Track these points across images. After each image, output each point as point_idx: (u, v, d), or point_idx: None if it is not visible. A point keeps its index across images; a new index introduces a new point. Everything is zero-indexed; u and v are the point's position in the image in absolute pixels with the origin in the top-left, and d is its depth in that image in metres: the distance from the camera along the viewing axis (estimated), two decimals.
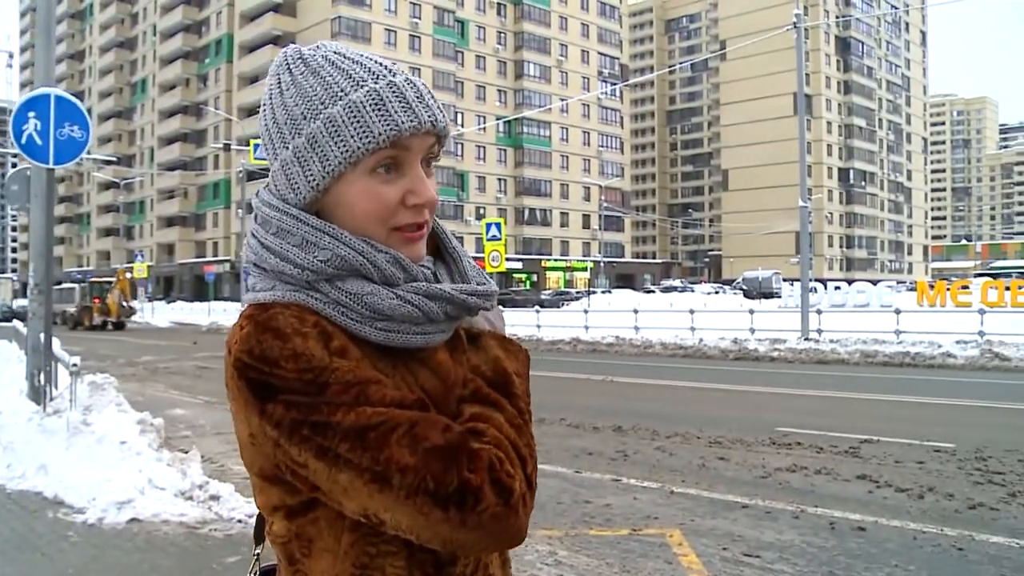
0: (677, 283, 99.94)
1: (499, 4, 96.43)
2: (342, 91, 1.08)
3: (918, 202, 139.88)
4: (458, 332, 1.20)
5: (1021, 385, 14.13)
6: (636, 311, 27.07)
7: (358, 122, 1.06)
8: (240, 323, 1.07)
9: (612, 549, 5.40)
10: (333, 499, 1.02)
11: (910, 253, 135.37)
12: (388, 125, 1.06)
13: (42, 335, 8.97)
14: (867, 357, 18.85)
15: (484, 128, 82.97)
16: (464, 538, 0.98)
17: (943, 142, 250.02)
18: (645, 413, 11.13)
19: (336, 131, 1.06)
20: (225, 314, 47.54)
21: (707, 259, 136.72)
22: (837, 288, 34.45)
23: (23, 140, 8.69)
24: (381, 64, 1.13)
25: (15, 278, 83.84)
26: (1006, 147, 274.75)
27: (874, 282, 41.69)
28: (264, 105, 1.16)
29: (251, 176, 39.74)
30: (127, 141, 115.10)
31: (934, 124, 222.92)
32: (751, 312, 24.40)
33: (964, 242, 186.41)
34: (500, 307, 1.31)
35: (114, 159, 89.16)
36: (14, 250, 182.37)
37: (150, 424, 8.27)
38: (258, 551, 1.31)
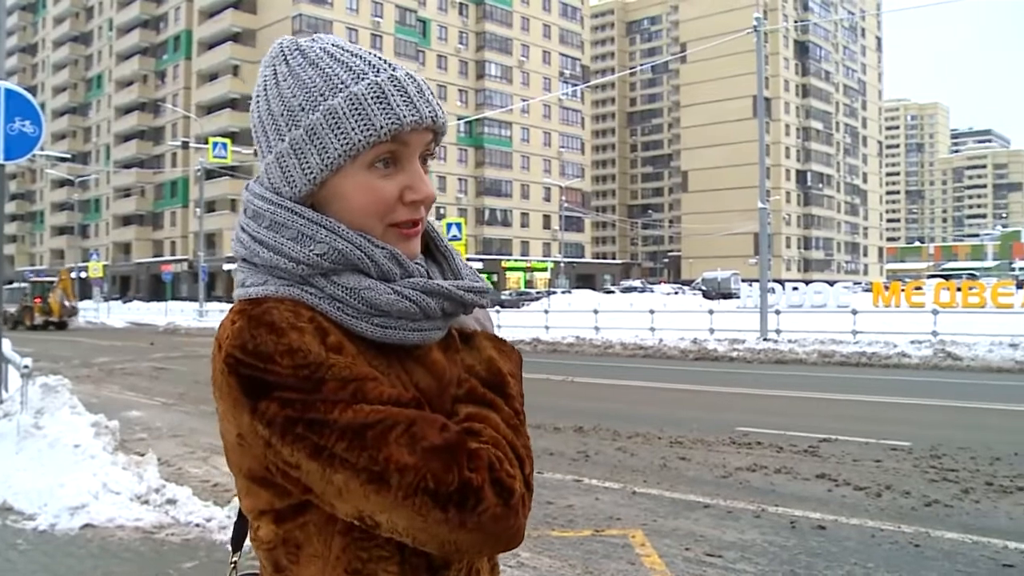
0: (637, 283, 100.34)
1: (461, 4, 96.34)
2: (342, 83, 1.06)
3: (873, 204, 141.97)
4: (451, 331, 1.17)
5: (973, 384, 14.37)
6: (596, 311, 27.18)
7: (359, 114, 1.04)
8: (231, 318, 1.03)
9: (575, 550, 5.39)
10: (326, 501, 0.98)
11: (865, 254, 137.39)
12: (390, 118, 1.04)
13: None
14: (825, 357, 19.07)
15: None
16: (463, 539, 0.95)
17: (897, 146, 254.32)
18: (606, 413, 11.15)
19: (336, 123, 1.04)
20: (183, 314, 47.03)
21: (666, 260, 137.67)
22: (795, 289, 34.72)
23: None
24: (380, 58, 1.10)
25: None
26: (957, 151, 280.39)
27: (831, 283, 42.10)
28: (257, 96, 1.12)
29: (210, 175, 39.38)
30: (82, 138, 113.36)
31: (889, 128, 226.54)
32: (710, 312, 24.59)
33: (917, 244, 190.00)
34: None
35: (68, 156, 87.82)
36: None
37: (105, 427, 8.12)
38: (235, 559, 1.26)
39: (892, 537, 5.60)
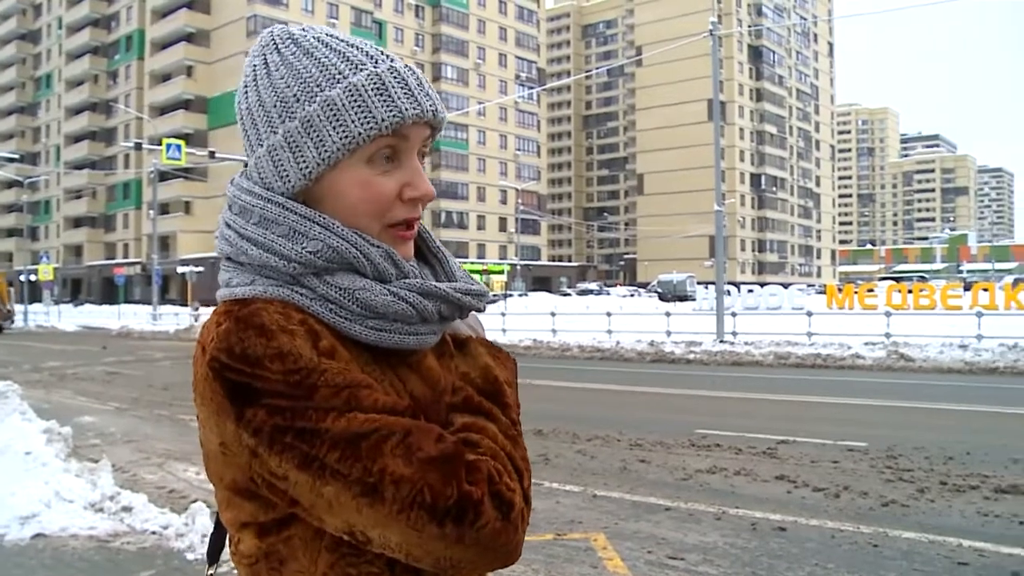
0: (593, 286, 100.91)
1: (417, 6, 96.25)
2: (340, 73, 1.01)
3: (826, 207, 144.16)
4: (445, 337, 1.13)
5: (925, 384, 14.59)
6: (553, 314, 27.18)
7: (359, 106, 0.99)
8: (216, 319, 0.97)
9: (537, 554, 5.36)
10: (314, 515, 0.93)
11: (819, 257, 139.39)
12: (391, 111, 0.99)
13: None
14: (781, 359, 19.26)
15: None
16: (459, 555, 0.90)
17: (849, 150, 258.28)
18: (564, 416, 11.13)
19: (335, 115, 0.99)
20: (136, 317, 46.26)
21: (622, 262, 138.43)
22: (750, 291, 35.11)
23: None
24: (379, 50, 1.06)
25: None
26: (906, 156, 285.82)
27: (785, 285, 42.70)
28: (246, 87, 1.06)
29: (163, 177, 38.84)
30: (31, 138, 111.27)
31: (841, 132, 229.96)
32: (667, 315, 24.72)
33: (869, 247, 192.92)
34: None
35: (16, 156, 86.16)
36: None
37: (57, 433, 7.94)
38: (211, 572, 1.21)
39: (851, 538, 5.65)
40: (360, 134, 0.98)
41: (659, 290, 72.89)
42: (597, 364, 20.27)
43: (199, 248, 74.52)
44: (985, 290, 25.38)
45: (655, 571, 5.06)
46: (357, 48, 1.04)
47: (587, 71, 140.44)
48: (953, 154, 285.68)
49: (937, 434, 9.41)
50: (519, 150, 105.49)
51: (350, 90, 0.99)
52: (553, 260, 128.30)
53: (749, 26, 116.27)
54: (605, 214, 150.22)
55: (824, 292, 32.38)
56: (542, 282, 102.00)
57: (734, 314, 23.92)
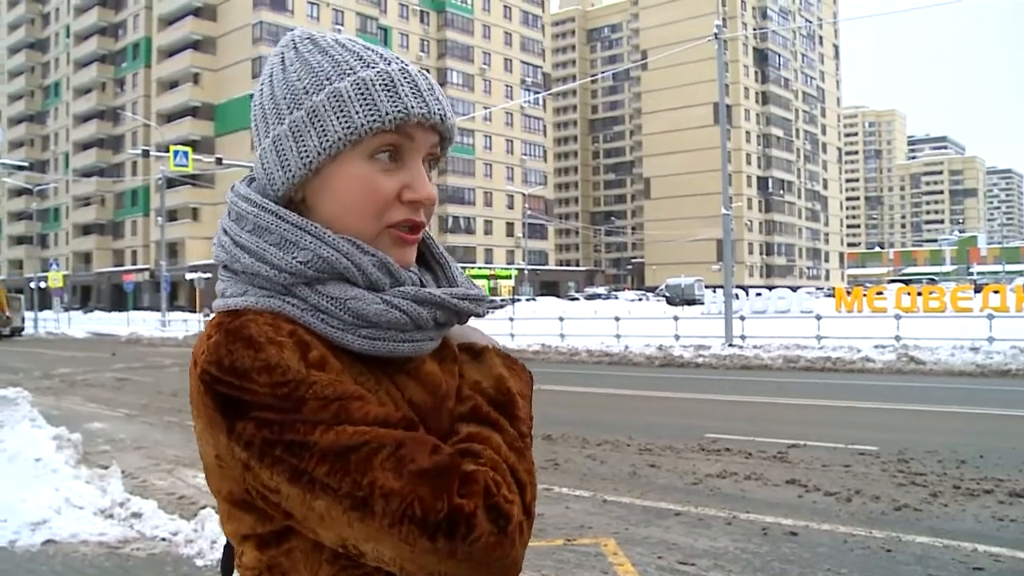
0: (601, 290, 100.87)
1: (422, 12, 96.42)
2: (351, 68, 1.01)
3: (834, 210, 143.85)
4: (447, 341, 1.12)
5: (936, 387, 14.53)
6: (561, 319, 27.15)
7: (365, 99, 0.99)
8: (208, 332, 0.97)
9: (547, 560, 5.34)
10: (308, 528, 0.92)
11: (827, 260, 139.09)
12: (397, 106, 0.99)
13: None
14: (790, 362, 19.20)
15: None
16: (453, 570, 0.88)
17: (856, 152, 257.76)
18: (574, 421, 11.10)
19: (340, 105, 0.99)
20: (144, 324, 46.41)
21: (630, 266, 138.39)
22: (758, 294, 35.05)
23: None
24: (395, 55, 1.06)
25: None
26: (914, 158, 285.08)
27: (793, 288, 42.53)
28: (262, 85, 1.07)
29: (171, 183, 38.93)
30: (40, 146, 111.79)
31: (847, 135, 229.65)
32: (675, 319, 24.69)
33: (877, 249, 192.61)
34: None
35: (26, 164, 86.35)
36: None
37: (67, 439, 7.97)
38: None
39: (864, 542, 5.61)
40: (363, 125, 0.98)
41: (667, 294, 72.83)
42: (606, 368, 20.24)
43: (207, 255, 74.51)
44: (996, 292, 25.28)
45: None
46: (372, 50, 1.04)
47: (593, 75, 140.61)
48: (961, 155, 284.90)
49: (949, 437, 9.35)
50: (525, 155, 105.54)
51: (358, 83, 0.99)
52: (561, 264, 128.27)
53: (754, 29, 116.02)
54: (612, 218, 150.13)
55: (833, 295, 32.35)
56: (550, 287, 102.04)
57: (743, 318, 23.87)
